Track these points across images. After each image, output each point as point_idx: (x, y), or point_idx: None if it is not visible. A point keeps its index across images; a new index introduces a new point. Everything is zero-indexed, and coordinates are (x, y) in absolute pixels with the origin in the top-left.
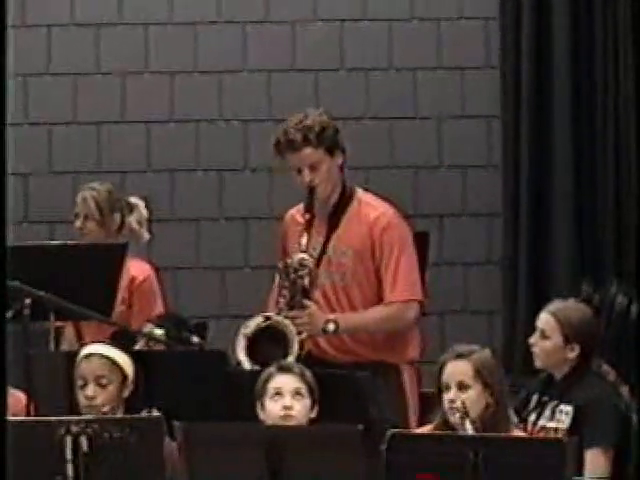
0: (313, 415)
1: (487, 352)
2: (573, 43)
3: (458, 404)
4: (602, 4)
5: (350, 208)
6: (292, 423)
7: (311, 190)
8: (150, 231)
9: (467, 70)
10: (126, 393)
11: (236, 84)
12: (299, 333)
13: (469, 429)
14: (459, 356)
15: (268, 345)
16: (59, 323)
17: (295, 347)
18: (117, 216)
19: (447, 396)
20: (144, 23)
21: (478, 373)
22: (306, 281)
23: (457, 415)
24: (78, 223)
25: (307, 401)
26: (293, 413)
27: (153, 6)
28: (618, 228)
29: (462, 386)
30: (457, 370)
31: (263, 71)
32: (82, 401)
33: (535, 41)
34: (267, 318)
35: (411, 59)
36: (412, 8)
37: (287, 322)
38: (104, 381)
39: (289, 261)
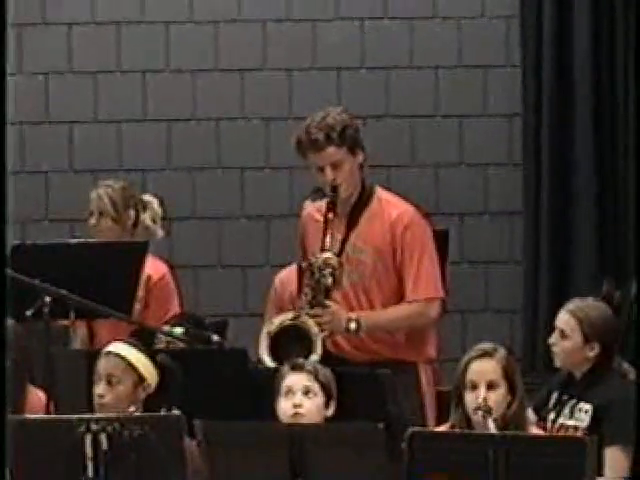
0: (329, 413)
1: (506, 351)
2: (594, 40)
3: (480, 401)
4: (623, 1)
5: (370, 206)
6: (302, 421)
7: (334, 189)
8: (165, 228)
9: (488, 68)
10: (142, 395)
11: (257, 82)
12: (321, 331)
13: (492, 427)
14: (486, 354)
15: (291, 344)
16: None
17: (319, 346)
18: (132, 212)
19: (475, 394)
20: (165, 21)
21: (505, 372)
22: (329, 280)
23: (480, 413)
24: (93, 220)
25: (319, 399)
26: (302, 411)
27: (174, 4)
28: None
29: (492, 385)
30: (486, 369)
31: (284, 69)
32: (94, 398)
33: (556, 39)
34: (293, 317)
35: (432, 57)
36: (433, 6)
37: (311, 321)
38: (114, 380)
39: (313, 260)
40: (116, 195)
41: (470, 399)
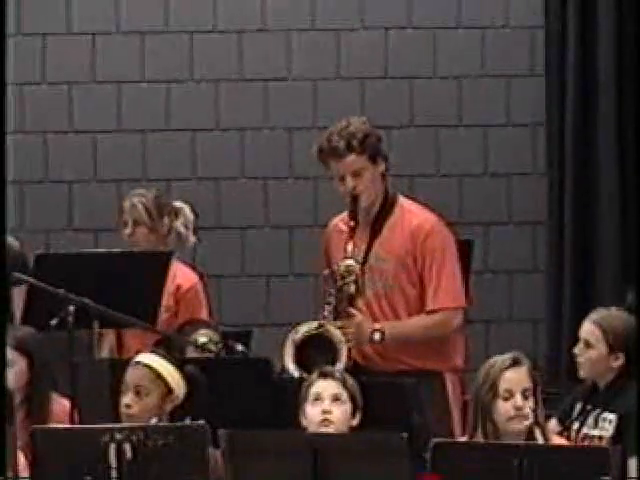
0: (355, 422)
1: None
2: (618, 51)
3: (527, 411)
4: None
5: (392, 215)
6: (331, 428)
7: (354, 197)
8: (196, 235)
9: (512, 78)
10: (169, 407)
11: (281, 92)
12: (346, 342)
13: (540, 438)
14: (519, 363)
15: (316, 353)
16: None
17: (344, 356)
18: (166, 220)
19: (511, 403)
20: (189, 31)
21: (533, 381)
22: (352, 288)
23: (527, 423)
24: (128, 230)
25: (347, 407)
26: (332, 418)
27: (198, 14)
28: None
29: (525, 393)
30: (521, 377)
31: (308, 79)
32: (121, 408)
33: (580, 49)
34: (320, 326)
35: (456, 67)
36: (458, 17)
37: (335, 330)
38: (143, 391)
39: (335, 268)
40: (150, 204)
41: (506, 408)
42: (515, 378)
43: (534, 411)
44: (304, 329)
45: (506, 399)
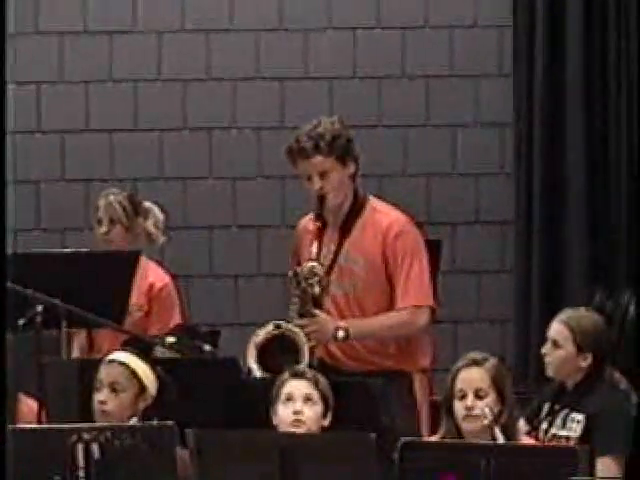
0: (326, 423)
1: (497, 360)
2: (586, 51)
3: (486, 411)
4: (615, 11)
5: (362, 216)
6: (302, 428)
7: (321, 198)
8: (166, 235)
9: (480, 78)
10: (142, 405)
11: (249, 92)
12: (308, 340)
13: (499, 437)
14: (474, 363)
15: (279, 353)
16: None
17: (306, 355)
18: (141, 219)
19: (463, 403)
20: (157, 31)
21: (494, 381)
22: (317, 289)
23: (485, 422)
24: (103, 228)
25: (318, 408)
26: (303, 418)
27: (166, 14)
28: (632, 236)
29: (479, 394)
30: (474, 377)
31: (276, 79)
32: (95, 405)
33: (548, 49)
34: (277, 326)
35: (424, 67)
36: (426, 16)
37: (297, 330)
38: (118, 388)
39: (299, 269)
40: (126, 202)
41: (459, 408)
42: (467, 378)
43: (500, 412)
44: (263, 331)
45: (460, 399)
